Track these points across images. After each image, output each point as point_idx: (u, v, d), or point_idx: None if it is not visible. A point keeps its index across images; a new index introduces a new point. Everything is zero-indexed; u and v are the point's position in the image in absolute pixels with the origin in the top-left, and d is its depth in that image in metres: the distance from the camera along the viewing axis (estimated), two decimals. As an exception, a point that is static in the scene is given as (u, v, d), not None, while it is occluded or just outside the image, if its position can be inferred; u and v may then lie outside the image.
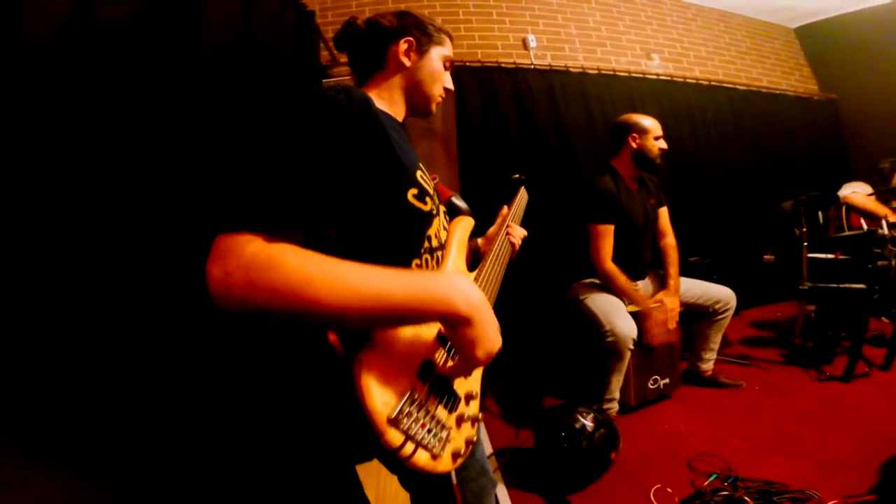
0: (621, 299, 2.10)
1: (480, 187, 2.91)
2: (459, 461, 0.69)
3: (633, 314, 2.05)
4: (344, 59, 1.01)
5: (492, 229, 1.16)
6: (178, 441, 1.24)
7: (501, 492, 1.64)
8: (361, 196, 0.68)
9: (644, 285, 2.28)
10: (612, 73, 3.48)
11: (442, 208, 0.91)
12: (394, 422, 0.57)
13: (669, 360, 2.19)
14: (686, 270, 2.34)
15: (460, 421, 0.71)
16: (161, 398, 1.26)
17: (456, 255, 0.87)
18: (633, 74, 3.54)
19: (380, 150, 0.72)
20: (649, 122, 2.17)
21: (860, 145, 4.21)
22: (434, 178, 0.96)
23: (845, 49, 4.19)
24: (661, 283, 2.25)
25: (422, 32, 0.94)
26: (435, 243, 0.83)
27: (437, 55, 0.96)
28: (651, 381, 2.14)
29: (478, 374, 0.81)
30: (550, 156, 3.19)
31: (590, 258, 2.13)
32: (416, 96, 0.95)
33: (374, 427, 0.56)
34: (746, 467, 1.63)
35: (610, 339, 1.94)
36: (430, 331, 0.70)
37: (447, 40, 0.98)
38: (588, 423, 1.65)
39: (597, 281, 2.18)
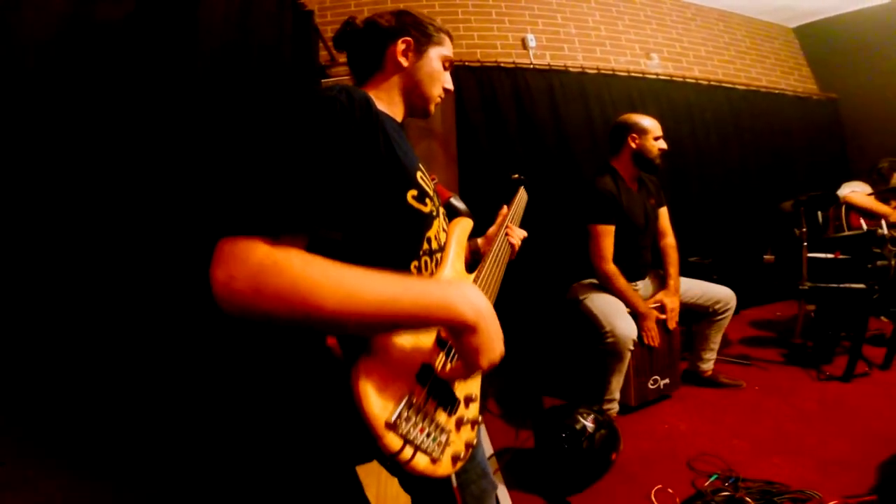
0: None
1: (480, 187, 2.91)
2: (459, 464, 0.69)
3: (633, 314, 2.05)
4: (343, 58, 1.00)
5: (491, 229, 1.16)
6: (178, 441, 1.24)
7: (502, 493, 1.63)
8: (361, 197, 0.68)
9: (644, 285, 2.28)
10: (611, 72, 3.47)
11: (441, 210, 0.91)
12: (392, 426, 0.57)
13: (669, 361, 2.19)
14: (686, 270, 2.34)
15: (460, 424, 0.70)
16: (161, 399, 1.26)
17: (455, 257, 0.86)
18: (633, 74, 3.54)
19: (380, 150, 0.71)
20: (649, 123, 2.17)
21: (860, 145, 4.21)
22: (433, 179, 0.95)
23: (845, 49, 4.19)
24: (661, 283, 2.25)
25: (420, 32, 0.93)
26: (434, 245, 0.82)
27: (436, 55, 0.95)
28: (651, 382, 2.14)
29: (477, 376, 0.81)
30: (550, 156, 3.18)
31: (590, 258, 2.13)
32: (414, 97, 0.94)
33: (373, 431, 0.56)
34: (747, 467, 1.63)
35: (610, 339, 1.94)
36: (428, 335, 0.70)
37: (446, 40, 0.97)
38: (588, 423, 1.65)
39: (596, 281, 2.17)
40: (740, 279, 2.81)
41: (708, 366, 2.33)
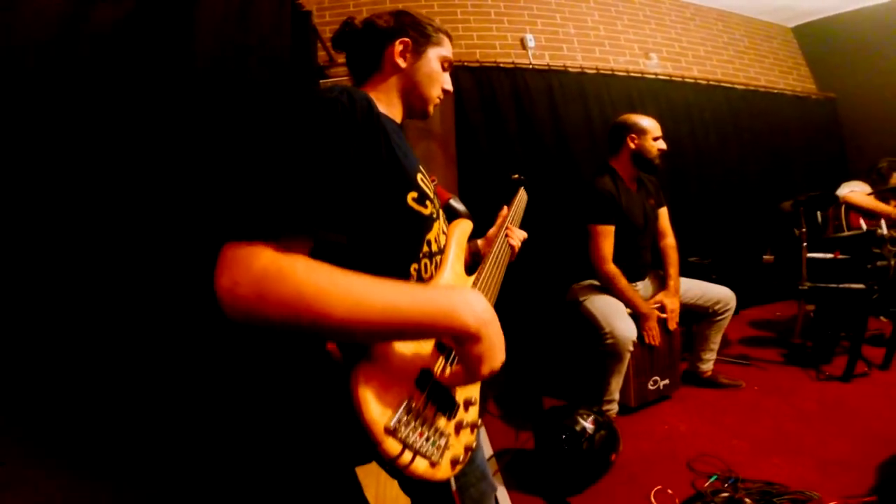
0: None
1: (479, 188, 2.91)
2: (458, 468, 0.69)
3: (633, 315, 2.05)
4: (341, 59, 1.00)
5: (491, 231, 1.15)
6: (178, 442, 1.24)
7: (502, 494, 1.63)
8: (362, 200, 0.68)
9: (644, 286, 2.28)
10: (610, 72, 3.47)
11: (441, 212, 0.90)
12: (391, 431, 0.57)
13: (669, 361, 2.19)
14: (685, 271, 2.33)
15: (459, 428, 0.70)
16: (161, 399, 1.26)
17: (454, 259, 0.86)
18: (632, 74, 3.53)
19: (381, 152, 0.71)
20: (648, 123, 2.16)
21: (859, 144, 4.21)
22: (433, 181, 0.95)
23: (843, 48, 4.19)
24: (661, 283, 2.25)
25: (419, 33, 0.93)
26: (434, 248, 0.82)
27: (435, 56, 0.94)
28: (651, 382, 2.14)
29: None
30: (549, 156, 3.18)
31: (589, 259, 2.13)
32: (413, 98, 0.93)
33: (372, 437, 0.56)
34: (746, 468, 1.63)
35: (609, 340, 1.93)
36: (428, 340, 0.70)
37: (446, 40, 0.96)
38: (588, 425, 1.65)
39: (596, 282, 2.17)
40: (740, 279, 2.81)
41: (707, 366, 2.33)
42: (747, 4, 4.10)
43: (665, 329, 2.12)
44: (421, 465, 0.60)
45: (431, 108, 0.97)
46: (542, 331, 2.81)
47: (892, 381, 2.23)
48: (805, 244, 2.58)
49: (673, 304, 2.12)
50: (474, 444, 0.74)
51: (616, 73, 3.49)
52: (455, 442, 0.69)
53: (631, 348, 1.94)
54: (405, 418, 0.59)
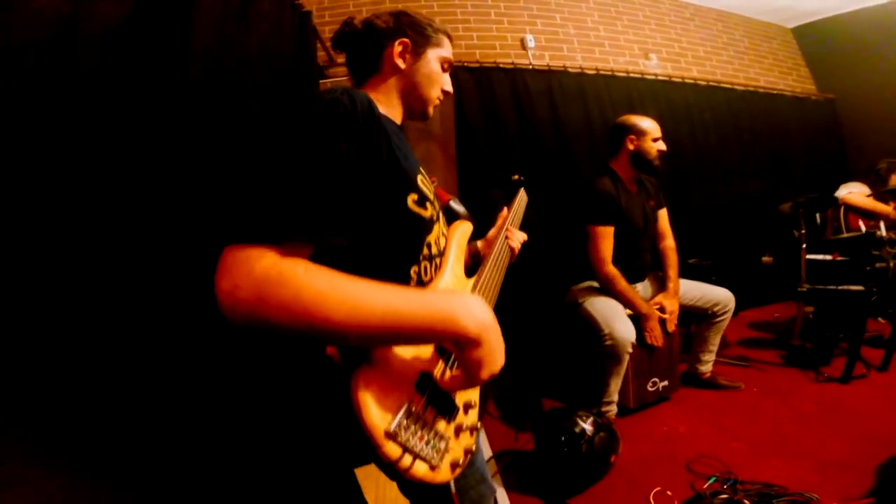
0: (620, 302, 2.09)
1: (479, 189, 2.91)
2: (458, 471, 0.69)
3: (633, 316, 2.05)
4: (341, 59, 0.99)
5: (491, 232, 1.15)
6: (178, 442, 1.24)
7: (501, 495, 1.63)
8: (363, 202, 0.67)
9: (643, 287, 2.28)
10: (610, 73, 3.47)
11: (441, 213, 0.90)
12: (391, 435, 0.57)
13: (668, 363, 2.19)
14: (685, 272, 2.34)
15: (459, 431, 0.70)
16: (162, 400, 1.26)
17: (454, 261, 0.86)
18: (632, 74, 3.54)
19: (382, 154, 0.70)
20: (647, 124, 2.16)
21: (859, 145, 4.22)
22: (433, 182, 0.94)
23: (843, 49, 4.20)
24: (661, 285, 2.25)
25: (418, 33, 0.92)
26: (434, 250, 0.82)
27: (434, 57, 0.93)
28: (650, 384, 2.14)
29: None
30: (549, 157, 3.18)
31: (589, 261, 2.13)
32: (412, 99, 0.93)
33: (372, 440, 0.56)
34: (745, 469, 1.63)
35: (608, 342, 1.93)
36: (428, 344, 0.70)
37: (445, 41, 0.96)
38: (588, 426, 1.65)
39: (595, 284, 2.17)
40: (739, 281, 2.82)
41: (707, 367, 2.33)
42: (747, 5, 4.11)
43: (664, 331, 2.12)
44: (421, 469, 0.60)
45: (431, 110, 0.96)
46: (542, 332, 2.81)
47: (891, 383, 2.23)
48: (804, 246, 2.58)
49: (672, 306, 2.12)
50: (474, 447, 0.74)
51: (616, 73, 3.49)
52: (455, 445, 0.69)
53: (630, 350, 1.94)
54: (405, 422, 0.59)
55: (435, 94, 0.95)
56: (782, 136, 4.03)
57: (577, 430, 1.64)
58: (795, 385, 2.30)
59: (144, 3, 1.44)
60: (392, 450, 0.57)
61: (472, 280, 0.90)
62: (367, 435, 0.56)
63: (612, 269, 2.07)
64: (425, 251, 0.79)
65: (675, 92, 3.65)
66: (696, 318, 2.32)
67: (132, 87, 1.35)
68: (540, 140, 3.18)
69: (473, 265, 1.02)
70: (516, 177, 1.35)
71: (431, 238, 0.81)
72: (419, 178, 0.81)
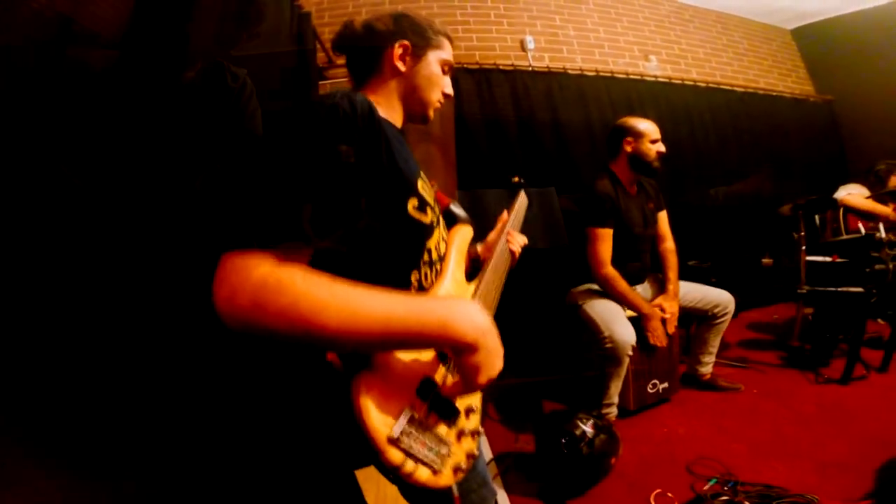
0: (621, 304, 2.09)
1: (479, 191, 2.90)
2: (460, 475, 0.69)
3: (633, 318, 2.05)
4: (340, 60, 0.99)
5: (491, 236, 1.14)
6: (178, 443, 1.24)
7: (502, 498, 1.63)
8: (362, 208, 0.67)
9: (643, 289, 2.28)
10: (610, 74, 3.48)
11: (441, 218, 0.90)
12: (394, 441, 0.57)
13: (668, 365, 2.19)
14: (684, 274, 2.34)
15: (461, 435, 0.71)
16: (163, 401, 1.26)
17: (455, 266, 0.86)
18: (631, 76, 3.54)
19: (382, 159, 0.70)
20: (644, 126, 2.16)
21: (858, 146, 4.22)
22: (433, 185, 0.94)
23: (841, 50, 4.20)
24: (661, 287, 2.25)
25: (418, 35, 0.91)
26: (435, 256, 0.81)
27: (435, 59, 0.92)
28: (650, 386, 2.14)
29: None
30: (549, 159, 3.18)
31: (588, 262, 2.13)
32: (412, 102, 0.92)
33: (375, 446, 0.57)
34: (745, 471, 1.64)
35: (609, 345, 1.93)
36: (428, 349, 0.70)
37: (446, 43, 0.95)
38: (588, 429, 1.65)
39: (595, 287, 2.17)
40: (739, 282, 2.82)
41: (707, 369, 2.33)
42: (746, 6, 4.11)
43: (664, 333, 2.12)
44: (423, 474, 0.61)
45: (432, 113, 0.95)
46: (542, 334, 2.81)
47: (891, 384, 2.24)
48: (803, 247, 2.59)
49: (672, 308, 2.12)
50: (476, 451, 0.74)
51: (616, 75, 3.49)
52: (457, 449, 0.69)
53: (630, 352, 1.94)
54: (407, 428, 0.60)
55: (435, 97, 0.94)
56: (782, 137, 4.03)
57: (577, 432, 1.64)
58: (795, 386, 2.30)
59: (143, 3, 1.43)
60: (395, 455, 0.57)
61: (473, 285, 0.90)
62: (370, 441, 0.56)
63: (610, 271, 2.07)
64: (426, 257, 0.79)
65: (674, 94, 3.65)
66: (696, 320, 2.32)
67: (129, 88, 1.34)
68: (540, 142, 3.18)
69: (474, 270, 1.02)
70: (516, 179, 1.34)
71: (432, 243, 0.81)
72: (419, 182, 0.81)
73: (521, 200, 1.29)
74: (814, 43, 4.41)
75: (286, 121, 0.65)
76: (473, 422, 0.75)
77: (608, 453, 1.66)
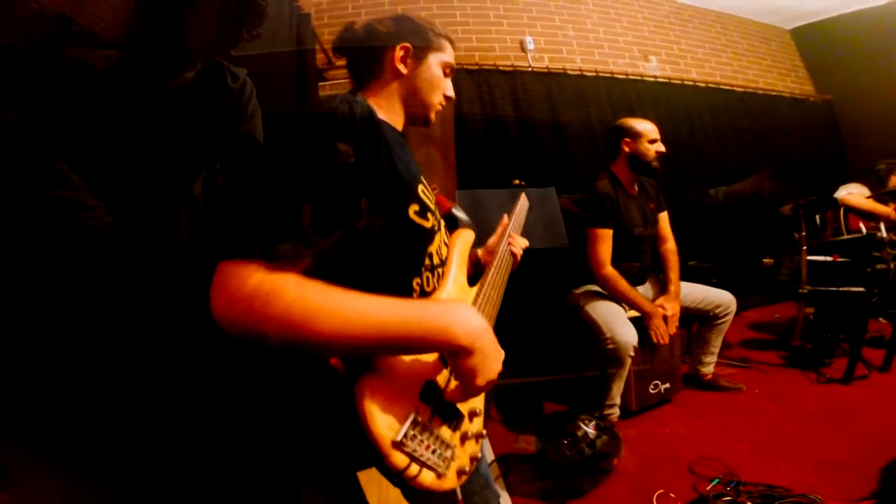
0: (622, 305, 2.09)
1: (479, 192, 2.90)
2: (464, 478, 0.69)
3: (635, 319, 2.04)
4: (340, 62, 0.99)
5: (492, 240, 1.14)
6: (177, 444, 1.24)
7: (504, 499, 1.63)
8: (362, 214, 0.67)
9: (644, 290, 2.27)
10: (609, 75, 3.47)
11: (442, 222, 0.90)
12: (398, 445, 0.57)
13: (670, 365, 2.20)
14: (685, 274, 2.34)
15: (464, 439, 0.71)
16: (164, 403, 1.26)
17: (457, 271, 0.86)
18: (631, 77, 3.54)
19: (381, 165, 0.70)
20: (642, 126, 2.15)
21: (858, 146, 4.22)
22: (434, 189, 0.94)
23: (841, 50, 4.20)
24: (662, 287, 2.25)
25: (420, 38, 0.91)
26: (436, 260, 0.81)
27: (436, 61, 0.92)
28: (652, 386, 2.14)
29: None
30: (549, 160, 3.18)
31: (588, 263, 2.12)
32: (413, 104, 0.92)
33: (379, 450, 0.57)
34: (747, 471, 1.64)
35: (610, 346, 1.93)
36: (424, 353, 0.70)
37: (447, 46, 0.94)
38: (590, 430, 1.65)
39: (596, 288, 2.17)
40: (739, 282, 2.82)
41: (708, 369, 2.33)
42: (745, 6, 4.11)
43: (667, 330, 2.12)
44: (428, 478, 0.61)
45: (433, 116, 0.95)
46: (543, 335, 2.81)
47: (892, 383, 2.24)
48: (805, 247, 2.59)
49: (674, 309, 2.11)
50: (479, 455, 0.74)
51: (615, 75, 3.49)
52: (461, 452, 0.69)
53: (632, 353, 1.94)
54: (411, 431, 0.60)
55: (437, 100, 0.93)
56: (782, 137, 4.03)
57: (579, 433, 1.64)
58: (797, 386, 2.31)
59: (141, 3, 1.43)
60: (399, 459, 0.57)
61: (475, 289, 0.90)
62: (374, 444, 0.57)
63: (610, 271, 2.07)
64: (427, 262, 0.79)
65: (674, 94, 3.65)
66: (697, 320, 2.32)
67: (127, 89, 1.34)
68: (540, 143, 3.18)
69: (476, 274, 1.02)
70: (517, 181, 1.34)
71: (433, 248, 0.81)
72: (420, 187, 0.80)
73: (522, 203, 1.28)
74: (813, 43, 4.41)
75: (284, 127, 0.65)
76: (477, 425, 0.75)
77: (610, 454, 1.66)
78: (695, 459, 1.74)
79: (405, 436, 0.58)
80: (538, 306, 2.84)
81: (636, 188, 2.25)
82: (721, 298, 2.22)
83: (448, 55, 0.95)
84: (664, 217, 2.37)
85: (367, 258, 0.69)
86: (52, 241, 1.18)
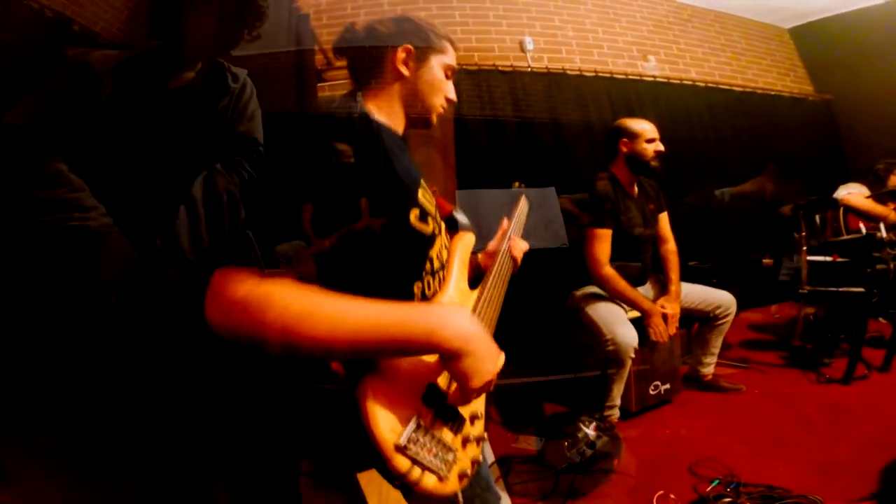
0: (621, 305, 2.09)
1: (478, 192, 2.90)
2: (465, 482, 0.69)
3: (635, 321, 2.04)
4: (338, 63, 0.98)
5: (492, 244, 1.14)
6: (177, 444, 1.23)
7: (505, 500, 1.63)
8: (361, 220, 0.67)
9: (645, 291, 2.27)
10: (609, 75, 3.47)
11: (442, 225, 0.89)
12: (401, 449, 0.57)
13: (670, 366, 2.20)
14: (685, 275, 2.33)
15: (466, 442, 0.71)
16: (164, 403, 1.25)
17: (458, 275, 0.86)
18: (630, 77, 3.54)
19: (380, 170, 0.70)
20: (639, 126, 2.15)
21: (857, 146, 4.22)
22: (434, 191, 0.94)
23: (840, 50, 4.20)
24: (662, 288, 2.25)
25: (421, 39, 0.91)
26: (437, 265, 0.81)
27: (438, 63, 0.91)
28: (652, 387, 2.14)
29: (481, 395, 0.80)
30: (549, 160, 3.18)
31: (586, 263, 2.12)
32: (415, 107, 0.91)
33: (382, 454, 0.57)
34: (748, 472, 1.63)
35: (611, 347, 1.93)
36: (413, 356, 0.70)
37: (449, 48, 0.94)
38: (591, 431, 1.66)
39: (596, 289, 2.16)
40: (739, 283, 2.82)
41: (708, 370, 2.33)
42: (744, 5, 4.11)
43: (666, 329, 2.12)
44: (430, 481, 0.61)
45: (435, 118, 0.94)
46: (543, 336, 2.80)
47: (892, 384, 2.24)
48: (805, 248, 2.59)
49: (674, 309, 2.11)
50: (481, 458, 0.74)
51: (615, 75, 3.49)
52: (462, 456, 0.69)
53: (632, 355, 1.94)
54: (414, 435, 0.60)
55: (438, 102, 0.93)
56: (781, 137, 4.03)
57: (579, 434, 1.65)
58: (797, 387, 2.31)
59: (138, 4, 1.43)
60: (402, 463, 0.57)
61: (476, 292, 0.89)
62: (377, 448, 0.57)
63: (609, 271, 2.07)
64: (428, 266, 0.78)
65: (673, 94, 3.65)
66: (697, 321, 2.32)
67: (127, 89, 1.34)
68: (539, 143, 3.18)
69: (476, 278, 1.02)
70: (517, 184, 1.33)
71: (434, 252, 0.81)
72: (420, 191, 0.80)
73: (522, 206, 1.28)
74: (812, 42, 4.41)
75: (279, 134, 0.65)
76: (478, 428, 0.75)
77: (610, 455, 1.67)
78: (695, 460, 1.74)
79: (408, 440, 0.58)
80: (538, 307, 2.84)
81: (636, 189, 2.24)
82: (721, 299, 2.22)
83: (450, 57, 0.94)
84: (664, 218, 2.36)
85: (368, 263, 0.69)
86: (51, 242, 1.17)
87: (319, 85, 2.68)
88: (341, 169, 0.63)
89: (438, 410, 0.66)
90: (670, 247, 2.33)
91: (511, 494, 1.68)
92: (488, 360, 0.64)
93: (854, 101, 4.21)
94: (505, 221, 1.19)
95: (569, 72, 3.36)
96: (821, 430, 1.90)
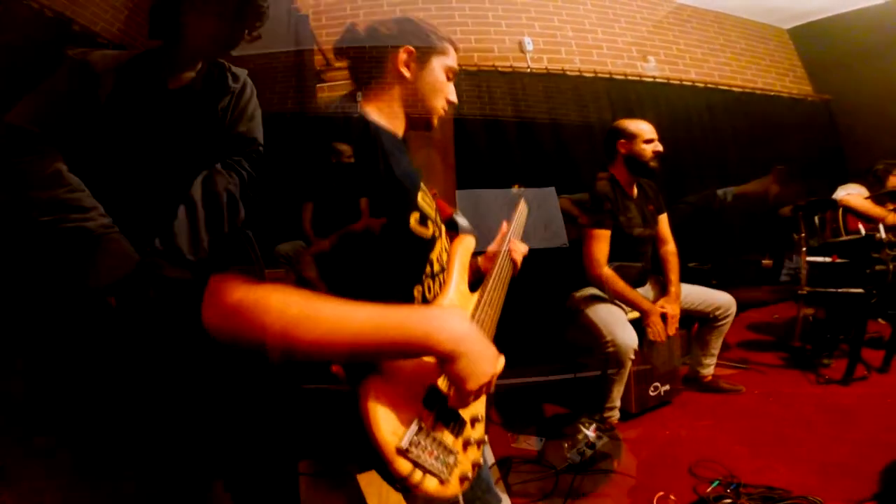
0: (621, 307, 2.09)
1: (478, 193, 2.90)
2: (466, 484, 0.69)
3: (635, 322, 2.04)
4: (338, 63, 0.98)
5: (492, 247, 1.14)
6: (177, 445, 1.23)
7: (505, 502, 1.63)
8: (359, 224, 0.67)
9: (645, 292, 2.27)
10: (608, 75, 3.47)
11: (442, 228, 0.89)
12: (403, 452, 0.57)
13: (670, 367, 2.20)
14: (685, 276, 2.34)
15: (467, 445, 0.71)
16: (164, 403, 1.25)
17: (458, 278, 0.86)
18: (630, 77, 3.54)
19: (379, 174, 0.70)
20: (637, 126, 2.15)
21: (857, 146, 4.22)
22: (433, 194, 0.93)
23: (840, 50, 4.21)
24: (662, 289, 2.25)
25: (423, 41, 0.91)
26: (437, 268, 0.81)
27: (439, 66, 0.91)
28: (652, 388, 2.14)
29: (481, 397, 0.80)
30: (548, 160, 3.18)
31: (583, 264, 2.12)
32: (416, 109, 0.90)
33: (384, 457, 0.57)
34: (747, 473, 1.64)
35: (611, 349, 1.93)
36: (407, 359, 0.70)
37: (450, 50, 0.93)
38: (590, 433, 1.66)
39: (596, 291, 2.16)
40: (739, 283, 2.82)
41: (708, 371, 2.34)
42: (743, 6, 4.12)
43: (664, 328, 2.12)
44: (431, 484, 0.61)
45: (436, 120, 0.94)
46: (544, 337, 2.80)
47: (892, 384, 2.24)
48: (804, 248, 2.59)
49: (674, 311, 2.11)
50: (481, 461, 0.74)
51: (614, 76, 3.49)
52: (463, 459, 0.69)
53: (632, 356, 1.94)
54: (415, 438, 0.60)
55: (439, 104, 0.92)
56: (780, 137, 4.03)
57: (579, 435, 1.65)
58: (796, 387, 2.31)
59: (138, 4, 1.42)
60: (403, 466, 0.57)
61: (476, 295, 0.89)
62: (378, 450, 0.57)
63: (607, 271, 2.07)
64: (428, 269, 0.78)
65: (673, 94, 3.65)
66: (697, 322, 2.32)
67: (128, 89, 1.33)
68: (539, 143, 3.17)
69: (476, 281, 1.02)
70: (516, 187, 1.34)
71: (434, 255, 0.81)
72: (420, 195, 0.80)
73: (522, 209, 1.28)
74: (811, 42, 4.41)
75: (279, 138, 0.65)
76: (479, 431, 0.75)
77: (610, 456, 1.67)
78: (695, 461, 1.74)
79: (410, 443, 0.58)
80: (538, 308, 2.84)
81: (635, 190, 2.24)
82: (721, 300, 2.22)
83: (451, 59, 0.94)
84: (664, 219, 2.36)
85: (368, 267, 0.69)
86: (51, 242, 1.17)
87: (319, 85, 2.68)
88: (341, 169, 0.63)
89: (439, 413, 0.66)
90: (670, 248, 2.33)
91: (511, 495, 1.68)
92: (483, 362, 0.64)
93: (853, 102, 4.21)
94: (504, 224, 1.19)
95: (568, 72, 3.36)
96: (821, 430, 1.90)
